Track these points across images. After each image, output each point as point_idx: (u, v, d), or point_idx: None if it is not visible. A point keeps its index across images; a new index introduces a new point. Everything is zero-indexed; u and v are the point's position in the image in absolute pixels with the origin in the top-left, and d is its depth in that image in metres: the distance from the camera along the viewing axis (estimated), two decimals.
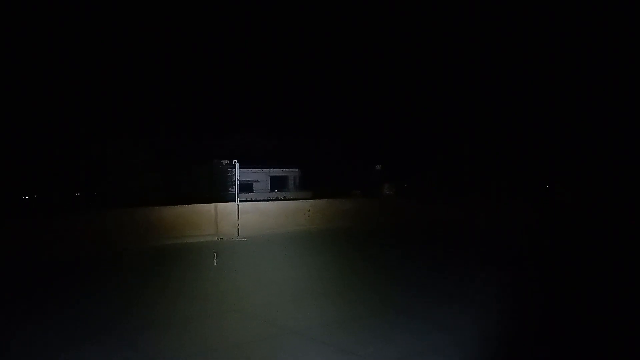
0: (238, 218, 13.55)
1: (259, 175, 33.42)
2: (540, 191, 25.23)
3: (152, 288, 7.50)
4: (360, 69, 33.56)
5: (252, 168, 30.95)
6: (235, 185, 14.14)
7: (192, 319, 5.85)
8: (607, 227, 16.12)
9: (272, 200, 23.09)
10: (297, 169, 35.52)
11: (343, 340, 4.97)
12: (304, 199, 20.05)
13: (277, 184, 35.69)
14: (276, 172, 35.54)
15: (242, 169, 14.55)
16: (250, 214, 14.34)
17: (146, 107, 20.35)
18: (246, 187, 29.00)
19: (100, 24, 21.89)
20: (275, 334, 5.29)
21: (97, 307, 6.39)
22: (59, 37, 20.05)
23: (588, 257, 10.58)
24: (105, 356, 4.62)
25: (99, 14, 21.76)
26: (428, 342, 4.92)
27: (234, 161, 14.18)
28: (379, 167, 32.81)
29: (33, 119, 17.49)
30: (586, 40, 26.01)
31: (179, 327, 5.52)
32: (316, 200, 18.11)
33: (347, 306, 6.34)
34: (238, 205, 13.70)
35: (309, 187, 30.65)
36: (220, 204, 14.17)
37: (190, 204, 13.93)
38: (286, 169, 35.77)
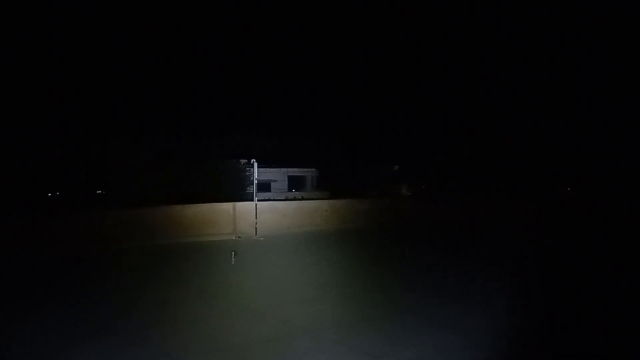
0: (256, 217, 13.69)
1: (277, 175, 33.54)
2: (549, 191, 25.06)
3: (166, 286, 7.58)
4: (378, 71, 33.51)
5: (270, 168, 31.11)
6: (253, 185, 14.29)
7: (202, 317, 5.87)
8: (616, 227, 16.01)
9: (290, 200, 23.21)
10: (314, 169, 35.55)
11: (354, 341, 4.99)
12: (321, 199, 20.14)
13: (295, 183, 35.79)
14: (294, 172, 35.62)
15: (260, 169, 14.68)
16: (267, 214, 14.47)
17: (164, 106, 20.65)
18: (264, 186, 29.16)
19: (115, 24, 22.20)
20: (287, 334, 5.31)
21: (105, 305, 6.43)
22: (70, 39, 20.34)
23: (602, 258, 10.46)
24: (109, 355, 4.65)
25: (99, 14, 22.01)
26: (438, 344, 4.93)
27: (252, 161, 14.32)
28: (396, 167, 32.72)
29: (52, 121, 17.85)
30: (586, 40, 25.75)
31: (187, 326, 5.54)
32: (333, 200, 18.17)
33: (359, 307, 6.34)
34: (256, 204, 13.83)
35: (327, 187, 30.70)
36: (239, 203, 14.31)
37: (207, 202, 14.10)
38: (304, 169, 35.82)
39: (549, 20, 27.06)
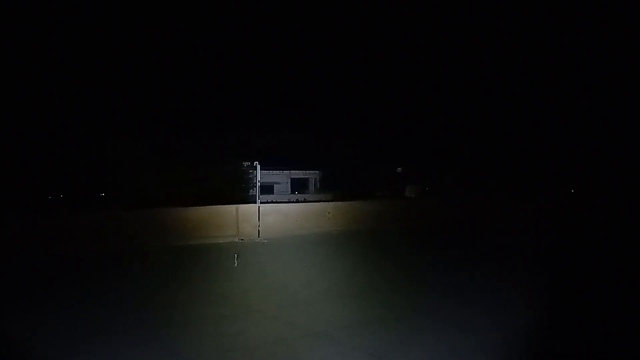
0: (259, 219, 13.58)
1: (280, 177, 33.49)
2: (563, 193, 24.99)
3: (170, 287, 7.49)
4: (380, 72, 33.45)
5: (273, 170, 31.04)
6: (256, 187, 14.19)
7: (210, 319, 5.78)
8: (616, 227, 15.99)
9: (293, 202, 23.09)
10: (317, 171, 35.47)
11: (366, 342, 4.89)
12: (325, 201, 19.99)
13: (298, 186, 35.75)
14: (297, 174, 35.56)
15: (262, 171, 14.59)
16: (270, 216, 14.34)
17: (165, 106, 20.52)
18: (267, 189, 29.08)
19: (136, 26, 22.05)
20: (295, 335, 5.22)
21: (112, 305, 6.37)
22: (80, 40, 20.23)
23: (620, 259, 10.33)
24: (118, 355, 4.59)
25: (100, 13, 21.66)
26: (452, 345, 4.80)
27: (254, 163, 14.23)
28: (400, 169, 32.62)
29: (69, 121, 17.77)
30: (587, 40, 25.74)
31: (195, 327, 5.46)
32: (337, 202, 18.02)
33: (368, 308, 6.25)
34: (259, 206, 13.73)
35: (330, 189, 30.60)
36: (242, 205, 14.21)
37: (212, 205, 14.00)
38: (307, 171, 35.76)
39: (549, 20, 27.03)
